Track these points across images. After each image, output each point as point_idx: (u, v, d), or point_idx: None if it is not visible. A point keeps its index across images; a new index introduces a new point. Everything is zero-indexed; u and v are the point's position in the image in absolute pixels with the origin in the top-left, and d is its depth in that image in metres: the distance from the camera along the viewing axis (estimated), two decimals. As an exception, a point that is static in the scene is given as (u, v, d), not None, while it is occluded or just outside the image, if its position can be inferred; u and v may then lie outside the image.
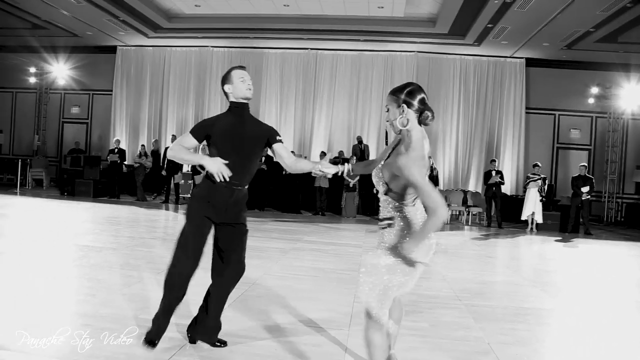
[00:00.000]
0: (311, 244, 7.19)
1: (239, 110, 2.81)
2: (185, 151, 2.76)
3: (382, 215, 2.29)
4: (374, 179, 2.29)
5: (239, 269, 2.86)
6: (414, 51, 14.03)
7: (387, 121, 2.27)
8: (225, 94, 2.84)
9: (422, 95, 2.19)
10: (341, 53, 14.38)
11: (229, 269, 2.83)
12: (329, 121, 14.50)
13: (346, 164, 2.82)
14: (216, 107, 14.86)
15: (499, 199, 11.26)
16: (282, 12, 12.33)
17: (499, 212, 11.24)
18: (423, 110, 2.18)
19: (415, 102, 2.16)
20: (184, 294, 2.82)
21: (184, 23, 13.34)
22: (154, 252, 5.89)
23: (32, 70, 15.16)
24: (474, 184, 13.92)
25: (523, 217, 10.96)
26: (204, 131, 2.77)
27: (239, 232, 2.86)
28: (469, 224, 11.73)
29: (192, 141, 2.77)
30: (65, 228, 7.55)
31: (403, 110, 2.15)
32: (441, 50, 13.82)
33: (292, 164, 2.88)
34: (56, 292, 3.95)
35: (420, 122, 2.20)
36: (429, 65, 14.24)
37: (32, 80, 15.35)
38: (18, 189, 13.07)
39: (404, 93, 2.18)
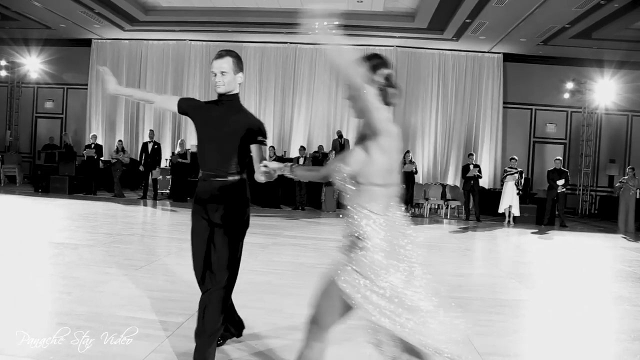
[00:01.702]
0: (291, 239, 7.18)
1: (223, 102, 2.67)
2: (148, 93, 2.91)
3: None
4: (336, 179, 1.90)
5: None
6: (393, 46, 14.06)
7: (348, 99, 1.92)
8: None
9: (389, 70, 1.88)
10: (320, 47, 14.28)
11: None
12: (308, 116, 14.47)
13: (290, 163, 2.61)
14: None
15: (477, 193, 11.41)
16: (261, 6, 12.22)
17: (477, 205, 11.39)
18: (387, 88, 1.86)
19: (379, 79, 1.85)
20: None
21: (161, 16, 13.10)
22: (131, 249, 5.81)
23: (2, 63, 14.70)
24: (453, 178, 14.07)
25: (500, 210, 11.14)
26: (187, 105, 2.73)
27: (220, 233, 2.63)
28: (448, 217, 11.87)
29: (173, 103, 2.73)
30: (40, 225, 7.38)
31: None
32: (420, 45, 13.89)
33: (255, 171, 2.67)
34: (30, 290, 3.85)
35: (386, 102, 1.88)
36: (408, 60, 14.30)
37: (3, 73, 14.88)
38: (-10, 185, 12.71)
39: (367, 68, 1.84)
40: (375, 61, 1.89)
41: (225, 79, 2.59)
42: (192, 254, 2.69)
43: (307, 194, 11.88)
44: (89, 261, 4.94)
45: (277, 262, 5.44)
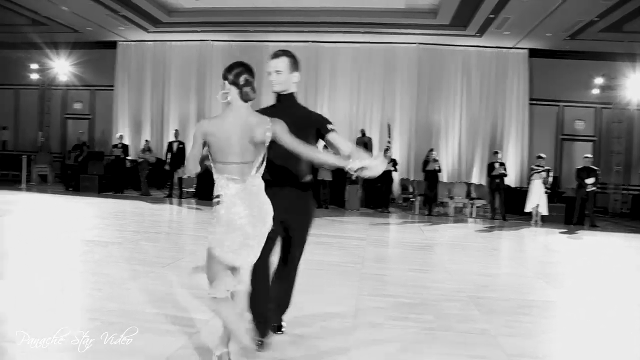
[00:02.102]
0: (315, 237, 7.17)
1: (281, 101, 2.83)
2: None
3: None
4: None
5: None
6: (415, 43, 13.94)
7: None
8: None
9: (241, 71, 2.36)
10: (342, 46, 14.30)
11: None
12: (330, 114, 14.42)
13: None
14: (217, 103, 14.81)
15: (502, 191, 11.22)
16: (283, 5, 12.26)
17: (502, 204, 11.20)
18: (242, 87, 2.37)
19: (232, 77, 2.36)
20: None
21: (184, 17, 13.28)
22: (158, 246, 5.91)
23: (34, 66, 15.14)
24: (478, 176, 13.88)
25: (527, 209, 10.92)
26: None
27: None
28: (473, 216, 11.71)
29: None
30: (71, 223, 7.58)
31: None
32: (443, 41, 13.72)
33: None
34: (62, 287, 3.96)
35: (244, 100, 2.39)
36: (430, 57, 14.15)
37: (34, 76, 15.34)
38: (24, 184, 13.10)
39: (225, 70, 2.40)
40: (238, 69, 2.37)
41: (281, 77, 2.68)
42: None
43: (330, 193, 11.88)
44: (117, 258, 5.05)
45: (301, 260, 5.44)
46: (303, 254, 2.95)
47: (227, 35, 14.24)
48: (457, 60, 14.07)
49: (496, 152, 11.69)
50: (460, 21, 12.07)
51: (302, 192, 2.83)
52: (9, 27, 14.11)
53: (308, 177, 2.85)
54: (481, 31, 12.43)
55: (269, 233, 2.46)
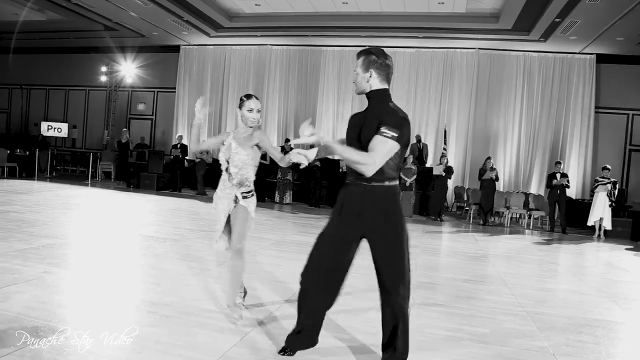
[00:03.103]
0: (366, 242, 7.14)
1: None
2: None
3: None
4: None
5: None
6: (474, 48, 13.60)
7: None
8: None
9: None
10: (399, 50, 14.18)
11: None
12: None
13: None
14: (274, 105, 15.11)
15: (563, 203, 10.71)
16: (341, 10, 12.33)
17: (563, 216, 10.69)
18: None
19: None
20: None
21: (244, 22, 13.65)
22: (212, 244, 6.07)
23: (103, 69, 16.08)
24: (537, 186, 13.34)
25: (590, 223, 10.37)
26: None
27: None
28: (530, 228, 11.25)
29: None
30: (132, 219, 7.95)
31: None
32: (504, 46, 13.31)
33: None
34: (123, 280, 4.16)
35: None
36: (490, 62, 13.77)
37: (103, 78, 16.30)
38: (89, 180, 13.89)
39: None
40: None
41: (357, 79, 2.67)
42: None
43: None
44: (175, 254, 5.24)
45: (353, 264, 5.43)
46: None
47: (286, 39, 14.48)
48: (518, 65, 13.61)
49: (558, 162, 11.17)
50: (523, 25, 11.67)
51: None
52: (84, 32, 15.08)
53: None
54: (545, 36, 11.95)
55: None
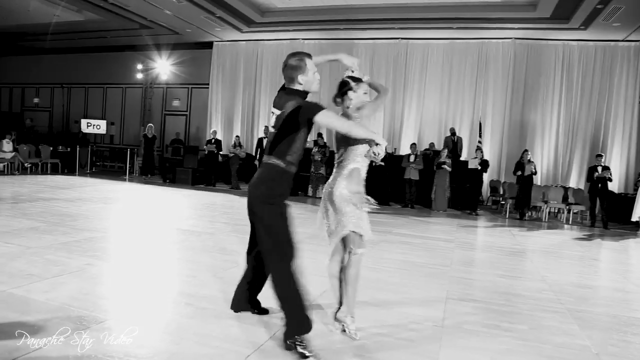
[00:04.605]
0: (401, 237, 7.09)
1: None
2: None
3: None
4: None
5: None
6: (511, 38, 13.24)
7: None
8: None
9: None
10: (432, 42, 13.95)
11: None
12: (419, 112, 14.18)
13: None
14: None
15: (605, 197, 10.31)
16: (373, 2, 12.22)
17: (604, 211, 10.30)
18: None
19: None
20: None
21: (276, 17, 13.70)
22: (247, 239, 6.14)
23: (139, 67, 16.48)
24: (576, 180, 12.91)
25: (634, 219, 9.95)
26: None
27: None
28: (570, 222, 10.90)
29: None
30: (168, 213, 8.14)
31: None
32: (541, 35, 12.90)
33: None
34: (161, 272, 4.27)
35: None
36: (527, 52, 13.37)
37: (139, 76, 16.71)
38: (127, 175, 14.28)
39: None
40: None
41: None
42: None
43: (417, 192, 11.66)
44: (210, 248, 5.33)
45: (387, 259, 5.41)
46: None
47: (318, 33, 14.46)
48: (557, 55, 13.18)
49: (600, 155, 10.77)
50: (562, 13, 11.27)
51: None
52: (121, 31, 15.48)
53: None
54: (586, 24, 11.51)
55: None
